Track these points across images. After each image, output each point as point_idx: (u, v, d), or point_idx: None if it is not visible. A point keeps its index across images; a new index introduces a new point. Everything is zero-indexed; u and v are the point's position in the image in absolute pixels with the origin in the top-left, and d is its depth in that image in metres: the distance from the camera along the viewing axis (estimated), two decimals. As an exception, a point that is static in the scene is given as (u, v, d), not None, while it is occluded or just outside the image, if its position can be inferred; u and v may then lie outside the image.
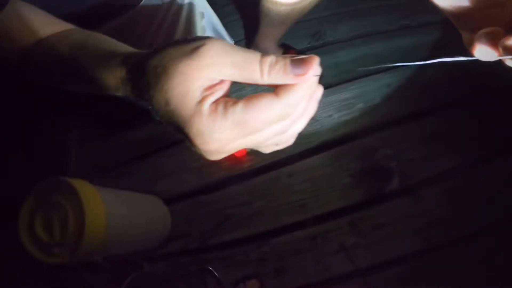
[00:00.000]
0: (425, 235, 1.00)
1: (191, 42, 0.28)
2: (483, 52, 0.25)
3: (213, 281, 1.04)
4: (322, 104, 1.19)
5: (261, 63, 0.28)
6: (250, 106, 0.27)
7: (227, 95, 0.29)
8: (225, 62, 0.28)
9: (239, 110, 0.27)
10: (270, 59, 0.28)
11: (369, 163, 1.11)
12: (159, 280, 1.07)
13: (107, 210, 0.47)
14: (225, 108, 0.27)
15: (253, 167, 1.16)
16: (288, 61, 0.28)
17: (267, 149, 0.33)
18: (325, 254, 1.02)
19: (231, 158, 1.16)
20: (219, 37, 0.94)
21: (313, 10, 1.35)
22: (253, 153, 1.17)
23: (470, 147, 1.05)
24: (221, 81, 0.29)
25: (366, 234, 1.02)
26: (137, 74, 0.31)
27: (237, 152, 1.14)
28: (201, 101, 0.27)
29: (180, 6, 0.80)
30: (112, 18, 0.76)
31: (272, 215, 1.09)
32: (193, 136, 0.28)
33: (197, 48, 0.27)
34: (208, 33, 0.92)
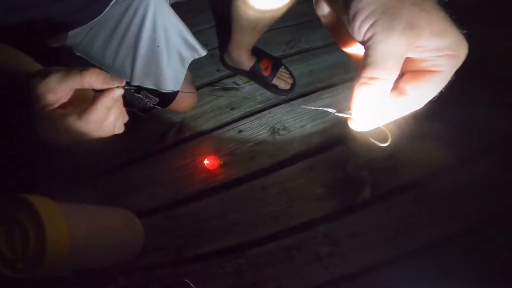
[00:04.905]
0: (399, 242, 1.01)
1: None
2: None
3: (190, 293, 1.02)
4: (296, 114, 1.20)
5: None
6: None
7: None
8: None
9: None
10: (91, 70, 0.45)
11: (341, 173, 1.12)
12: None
13: (71, 225, 0.46)
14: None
15: (226, 180, 1.15)
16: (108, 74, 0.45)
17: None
18: (301, 265, 1.02)
19: (204, 171, 1.15)
20: (189, 46, 0.96)
21: (290, 17, 1.35)
22: (226, 166, 1.16)
23: (438, 155, 1.07)
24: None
25: (340, 243, 1.03)
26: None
27: (210, 165, 1.14)
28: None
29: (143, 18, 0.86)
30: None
31: (247, 227, 1.08)
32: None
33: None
34: (178, 43, 0.94)
